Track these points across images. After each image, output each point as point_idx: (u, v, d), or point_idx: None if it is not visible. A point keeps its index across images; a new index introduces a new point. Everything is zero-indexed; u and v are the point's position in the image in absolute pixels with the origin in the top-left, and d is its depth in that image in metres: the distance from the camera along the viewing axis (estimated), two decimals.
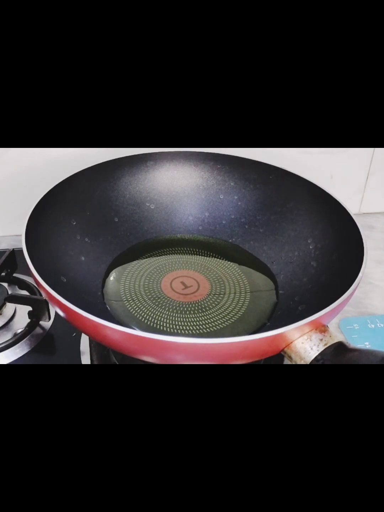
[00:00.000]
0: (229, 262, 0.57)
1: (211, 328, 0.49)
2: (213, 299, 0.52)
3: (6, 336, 0.54)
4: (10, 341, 0.53)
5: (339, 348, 0.38)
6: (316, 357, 0.37)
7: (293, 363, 0.38)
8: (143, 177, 0.61)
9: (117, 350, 0.41)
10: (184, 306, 0.51)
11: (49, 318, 0.55)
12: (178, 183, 0.62)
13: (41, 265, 0.44)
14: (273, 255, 0.57)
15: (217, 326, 0.49)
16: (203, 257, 0.58)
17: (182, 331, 0.48)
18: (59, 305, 0.40)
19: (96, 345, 0.52)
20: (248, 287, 0.53)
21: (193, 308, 0.51)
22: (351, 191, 0.76)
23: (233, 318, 0.50)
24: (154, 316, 0.50)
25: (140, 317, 0.50)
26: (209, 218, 0.61)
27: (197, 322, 0.49)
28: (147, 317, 0.50)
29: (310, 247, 0.53)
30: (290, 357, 0.39)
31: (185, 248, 0.59)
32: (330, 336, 0.39)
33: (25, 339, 0.54)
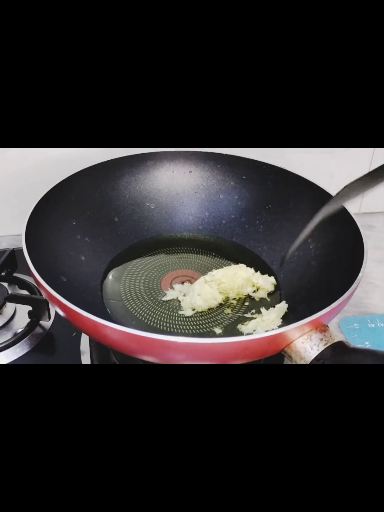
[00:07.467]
0: (229, 262, 0.57)
1: (211, 328, 0.49)
2: None
3: (6, 336, 0.54)
4: (10, 341, 0.53)
5: (339, 347, 0.38)
6: (316, 357, 0.38)
7: (293, 363, 0.38)
8: (143, 177, 0.61)
9: (117, 350, 0.41)
10: None
11: (49, 318, 0.55)
12: (178, 183, 0.62)
13: (41, 265, 0.44)
14: (273, 255, 0.57)
15: (217, 326, 0.49)
16: (203, 256, 0.58)
17: (182, 331, 0.48)
18: (59, 305, 0.40)
19: (96, 345, 0.52)
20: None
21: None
22: None
23: (233, 318, 0.50)
24: (154, 316, 0.50)
25: (140, 317, 0.50)
26: (209, 217, 0.61)
27: (197, 322, 0.49)
28: (147, 317, 0.50)
29: (310, 246, 0.53)
30: (290, 357, 0.39)
31: (185, 248, 0.59)
32: (330, 336, 0.39)
33: (25, 338, 0.54)
